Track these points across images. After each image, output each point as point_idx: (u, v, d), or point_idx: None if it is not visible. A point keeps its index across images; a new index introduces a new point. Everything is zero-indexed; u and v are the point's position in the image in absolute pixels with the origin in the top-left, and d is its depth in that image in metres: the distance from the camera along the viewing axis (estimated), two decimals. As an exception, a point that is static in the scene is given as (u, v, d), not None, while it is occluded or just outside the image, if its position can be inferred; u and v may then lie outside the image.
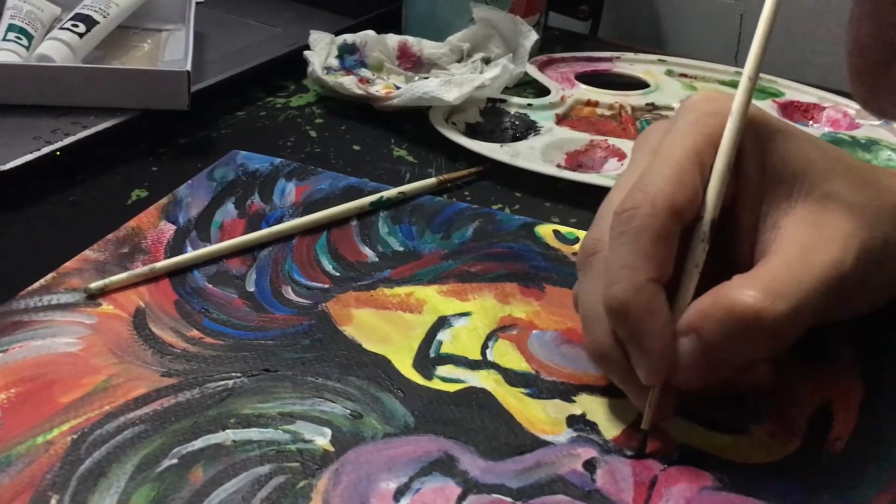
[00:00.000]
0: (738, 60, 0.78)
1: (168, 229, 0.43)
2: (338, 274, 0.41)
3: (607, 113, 0.59)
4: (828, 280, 0.30)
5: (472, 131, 0.54)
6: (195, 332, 0.36)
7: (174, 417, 0.32)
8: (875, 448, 0.32)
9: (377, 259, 0.42)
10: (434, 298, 0.39)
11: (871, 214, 0.32)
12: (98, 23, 0.56)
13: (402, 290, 0.40)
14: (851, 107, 0.59)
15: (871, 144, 0.55)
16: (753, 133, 0.33)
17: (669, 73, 0.65)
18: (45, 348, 0.35)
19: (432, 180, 0.48)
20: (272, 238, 0.43)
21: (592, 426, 0.33)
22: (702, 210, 0.31)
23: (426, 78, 0.57)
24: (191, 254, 0.40)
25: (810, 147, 0.33)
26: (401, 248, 0.43)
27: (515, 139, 0.54)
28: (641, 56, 0.67)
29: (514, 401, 0.34)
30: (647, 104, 0.60)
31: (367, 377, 0.34)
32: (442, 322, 0.38)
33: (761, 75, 0.63)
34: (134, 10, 0.60)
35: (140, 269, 0.39)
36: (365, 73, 0.59)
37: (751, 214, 0.33)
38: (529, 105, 0.57)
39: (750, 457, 0.31)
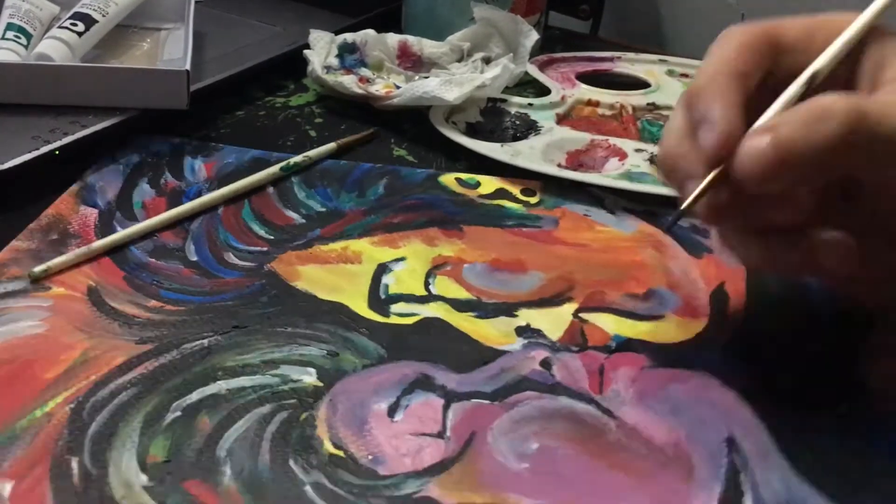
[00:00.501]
0: None
1: (90, 213, 0.44)
2: (271, 237, 0.43)
3: (608, 113, 0.59)
4: None
5: (473, 131, 0.55)
6: (154, 302, 0.38)
7: (163, 377, 0.34)
8: (766, 316, 0.39)
9: (304, 221, 0.45)
10: (368, 249, 0.43)
11: None
12: (97, 21, 0.55)
13: (337, 245, 0.43)
14: None
15: None
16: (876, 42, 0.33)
17: (670, 73, 0.65)
18: (10, 333, 0.35)
19: (332, 145, 0.51)
20: (199, 209, 0.44)
21: (538, 332, 0.38)
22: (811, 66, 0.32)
23: (426, 77, 0.57)
24: (126, 230, 0.42)
25: None
26: (323, 209, 0.46)
27: (516, 139, 0.54)
28: (642, 56, 0.67)
29: (466, 323, 0.38)
30: (648, 104, 0.60)
31: (332, 322, 0.37)
32: (382, 268, 0.41)
33: None
34: (133, 8, 0.60)
35: (79, 250, 0.40)
36: (365, 72, 0.58)
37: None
38: (530, 105, 0.58)
39: (670, 337, 0.37)
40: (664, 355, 0.36)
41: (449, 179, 0.49)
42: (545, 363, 0.36)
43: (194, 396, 0.33)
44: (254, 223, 0.44)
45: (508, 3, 0.63)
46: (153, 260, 0.41)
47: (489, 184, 0.49)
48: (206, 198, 0.45)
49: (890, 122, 0.28)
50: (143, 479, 0.29)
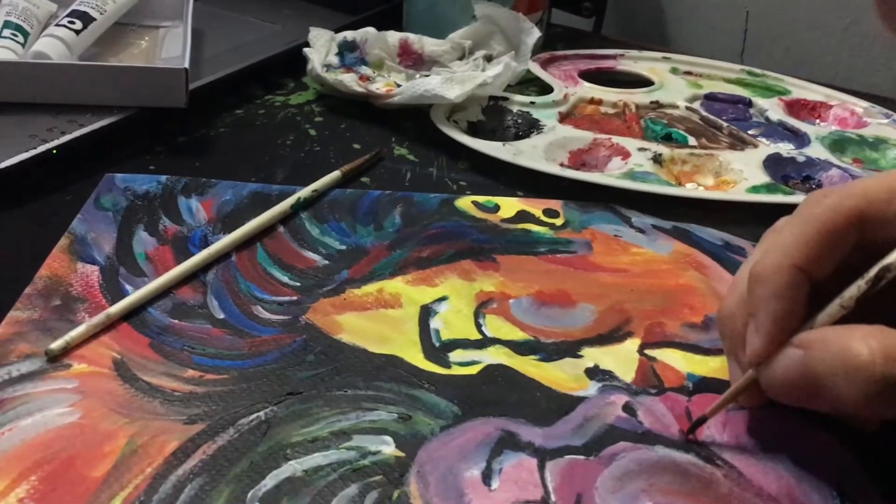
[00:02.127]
0: (744, 58, 0.78)
1: (91, 271, 0.40)
2: (298, 284, 0.40)
3: (611, 111, 0.59)
4: None
5: (474, 130, 0.54)
6: (192, 372, 0.35)
7: (227, 462, 0.31)
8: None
9: (327, 262, 0.42)
10: (406, 290, 0.40)
11: None
12: (95, 20, 0.56)
13: (370, 288, 0.40)
14: (859, 105, 0.60)
15: (878, 143, 0.56)
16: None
17: (674, 70, 0.65)
18: (41, 425, 0.31)
19: (337, 173, 0.48)
20: (212, 259, 0.41)
21: (610, 374, 0.36)
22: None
23: (427, 76, 0.56)
24: (141, 291, 0.38)
25: None
26: (343, 247, 0.43)
27: (518, 137, 0.53)
28: (646, 53, 0.67)
29: (532, 368, 0.36)
30: (651, 102, 0.60)
31: (392, 378, 0.35)
32: (427, 311, 0.39)
33: (767, 73, 0.64)
34: (131, 6, 0.60)
35: (96, 319, 0.36)
36: (365, 70, 0.58)
37: None
38: (532, 103, 0.57)
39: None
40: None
41: (465, 203, 0.47)
42: (628, 408, 0.34)
43: (269, 482, 0.30)
44: (273, 269, 0.41)
45: (510, 1, 0.63)
46: (176, 321, 0.37)
47: (509, 206, 0.47)
48: (219, 245, 0.41)
49: (885, 372, 0.27)
50: (240, 589, 0.26)
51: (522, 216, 0.47)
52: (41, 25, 0.56)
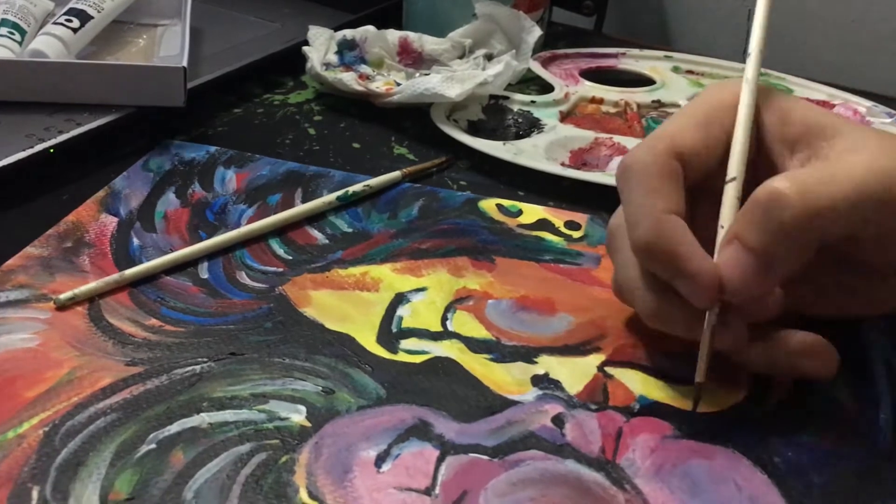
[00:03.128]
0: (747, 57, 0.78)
1: (110, 221, 0.43)
2: (290, 257, 0.42)
3: (612, 110, 0.59)
4: (870, 178, 0.30)
5: (474, 129, 0.54)
6: (154, 321, 0.37)
7: (146, 404, 0.32)
8: (814, 395, 0.35)
9: (327, 241, 0.43)
10: (389, 276, 0.41)
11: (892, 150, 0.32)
12: (92, 18, 0.55)
13: (356, 270, 0.41)
14: (862, 104, 0.59)
15: None
16: (770, 100, 0.36)
17: (676, 69, 0.65)
18: (2, 346, 0.35)
19: (397, 174, 0.49)
20: (243, 238, 0.43)
21: (556, 384, 0.35)
22: (728, 171, 0.34)
23: (427, 74, 0.57)
24: (159, 260, 0.40)
25: (821, 111, 0.35)
26: (349, 230, 0.44)
27: (518, 137, 0.54)
28: (647, 52, 0.67)
29: (479, 366, 0.36)
30: (653, 101, 0.59)
31: (334, 355, 0.36)
32: (400, 298, 0.39)
33: (769, 72, 0.64)
34: (129, 4, 0.60)
35: (111, 278, 0.39)
36: (365, 69, 0.58)
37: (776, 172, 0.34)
38: (533, 102, 0.57)
39: (703, 406, 0.34)
40: (692, 425, 0.33)
41: (489, 205, 0.47)
42: (557, 420, 0.33)
43: (174, 428, 0.32)
44: (274, 241, 0.43)
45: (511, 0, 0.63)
46: (163, 275, 0.40)
47: (532, 213, 0.47)
48: (253, 226, 0.43)
49: (832, 190, 0.30)
50: (102, 515, 0.28)
51: (542, 224, 0.46)
52: (38, 23, 0.56)
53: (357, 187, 0.47)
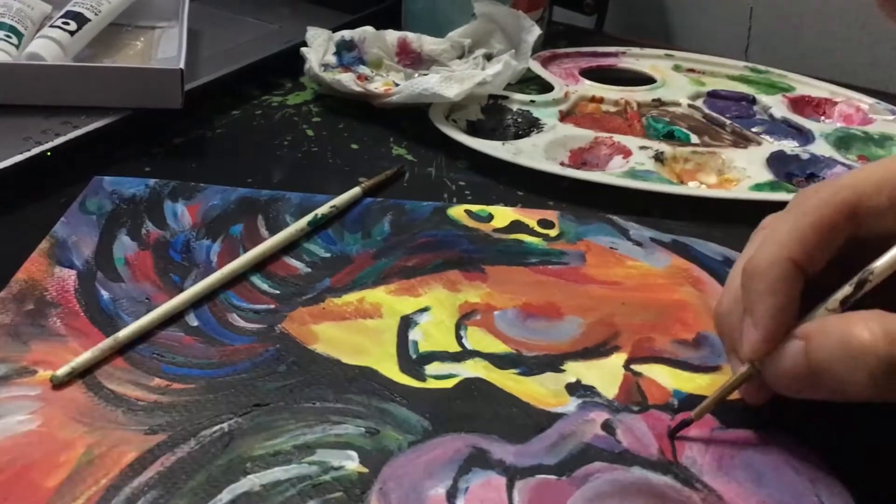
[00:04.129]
0: (749, 54, 0.78)
1: (67, 275, 0.40)
2: (277, 292, 0.40)
3: (612, 109, 0.58)
4: None
5: (473, 129, 0.53)
6: (159, 381, 0.34)
7: (184, 475, 0.30)
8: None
9: (310, 269, 0.41)
10: (387, 300, 0.40)
11: None
12: (89, 20, 0.56)
13: (351, 297, 0.40)
14: (864, 101, 0.60)
15: (884, 140, 0.55)
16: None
17: (677, 67, 0.65)
18: (0, 432, 0.31)
19: (357, 190, 0.47)
20: (226, 280, 0.40)
21: (592, 390, 0.35)
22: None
23: (426, 74, 0.56)
24: (151, 315, 0.37)
25: None
26: (328, 255, 0.43)
27: (518, 136, 0.53)
28: (648, 51, 0.66)
29: (510, 382, 0.35)
30: (653, 100, 0.59)
31: (363, 391, 0.34)
32: (407, 322, 0.38)
33: (770, 69, 0.64)
34: (126, 7, 0.60)
35: (104, 344, 0.35)
36: (363, 69, 0.58)
37: None
38: (532, 101, 0.56)
39: (730, 392, 0.35)
40: (732, 413, 0.34)
41: (458, 212, 0.47)
42: (607, 426, 0.33)
43: (225, 497, 0.29)
44: (254, 276, 0.41)
45: None
46: (155, 329, 0.37)
47: (502, 216, 0.47)
48: (236, 264, 0.40)
49: (888, 353, 0.27)
50: None
51: (516, 226, 0.46)
52: (35, 26, 0.56)
53: (324, 209, 0.45)
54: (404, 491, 0.30)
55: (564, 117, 0.56)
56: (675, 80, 0.63)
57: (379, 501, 0.30)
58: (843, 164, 0.52)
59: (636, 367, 0.36)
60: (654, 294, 0.41)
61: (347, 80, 0.55)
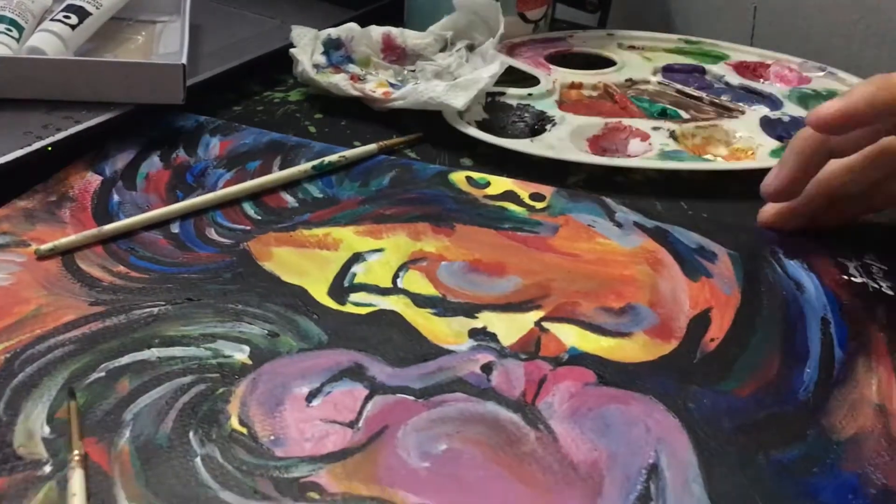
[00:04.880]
0: None
1: (94, 180, 0.46)
2: (259, 217, 0.44)
3: (594, 94, 0.60)
4: None
5: (484, 129, 0.54)
6: (122, 268, 0.40)
7: (102, 339, 0.35)
8: (742, 348, 0.37)
9: (297, 205, 0.46)
10: (350, 238, 0.43)
11: None
12: (90, 14, 0.55)
13: (319, 231, 0.44)
14: (793, 61, 0.64)
15: (831, 95, 0.59)
16: None
17: (620, 46, 0.67)
18: (-23, 284, 0.38)
19: (373, 146, 0.51)
20: (216, 202, 0.45)
21: (492, 336, 0.37)
22: None
23: (412, 70, 0.59)
24: (137, 218, 0.43)
25: None
26: (320, 195, 0.47)
27: (535, 132, 0.54)
28: (591, 32, 0.69)
29: (420, 319, 0.38)
30: (626, 80, 0.61)
31: (285, 304, 0.38)
32: (356, 257, 0.42)
33: (701, 39, 0.67)
34: (127, 1, 0.60)
35: (89, 232, 0.41)
36: (353, 68, 0.59)
37: None
38: (530, 95, 0.58)
39: (631, 357, 0.36)
40: (616, 375, 0.35)
41: (459, 177, 0.49)
42: (486, 367, 0.35)
43: (124, 360, 0.34)
44: (247, 202, 0.46)
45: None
46: (136, 229, 0.43)
47: (499, 184, 0.49)
48: (231, 190, 0.45)
49: None
50: (46, 430, 0.31)
51: (507, 195, 0.48)
52: (36, 20, 0.55)
53: (332, 157, 0.49)
54: (273, 385, 0.34)
55: (560, 107, 0.57)
56: (629, 58, 0.65)
57: (247, 388, 0.33)
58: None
59: (546, 325, 0.38)
60: (605, 268, 0.42)
61: (343, 83, 0.55)
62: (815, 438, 0.32)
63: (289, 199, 0.46)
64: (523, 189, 0.48)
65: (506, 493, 0.30)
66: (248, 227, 0.44)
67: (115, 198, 0.45)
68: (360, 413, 0.33)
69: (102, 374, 0.33)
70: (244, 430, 0.31)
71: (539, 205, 0.47)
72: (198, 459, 0.30)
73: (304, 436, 0.31)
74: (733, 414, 0.33)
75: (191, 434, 0.31)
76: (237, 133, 0.52)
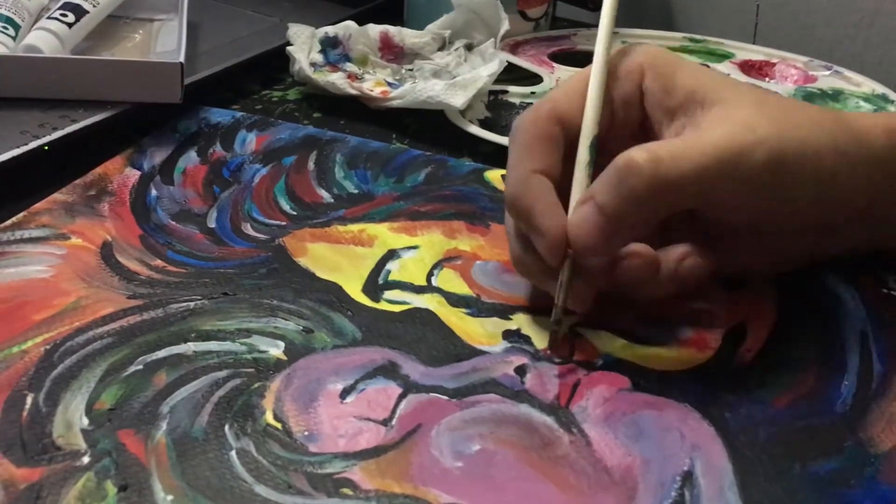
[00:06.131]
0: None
1: (133, 174, 0.47)
2: (294, 213, 0.45)
3: None
4: (720, 155, 0.33)
5: (486, 128, 0.54)
6: (159, 262, 0.41)
7: (139, 332, 0.36)
8: (780, 359, 0.37)
9: (332, 200, 0.46)
10: (385, 234, 0.44)
11: (774, 112, 0.35)
12: (88, 12, 0.56)
13: (354, 227, 0.44)
14: (798, 60, 0.64)
15: (837, 94, 0.60)
16: (656, 66, 0.38)
17: (624, 44, 0.67)
18: (18, 275, 0.39)
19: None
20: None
21: (526, 338, 0.37)
22: (582, 133, 0.37)
23: (410, 69, 0.59)
24: None
25: (708, 74, 0.38)
26: (355, 191, 0.47)
27: None
28: (595, 30, 0.69)
29: (455, 319, 0.38)
30: None
31: (319, 300, 0.39)
32: (391, 254, 0.42)
33: (706, 38, 0.68)
34: None
35: None
36: (350, 67, 0.59)
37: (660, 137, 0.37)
38: (532, 93, 0.59)
39: (666, 365, 0.36)
40: (651, 382, 0.35)
41: (495, 175, 0.50)
42: (520, 370, 0.35)
43: (161, 353, 0.35)
44: (282, 198, 0.46)
45: None
46: (173, 223, 0.44)
47: (535, 184, 0.49)
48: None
49: (682, 164, 0.33)
50: (85, 422, 0.32)
51: (544, 194, 0.48)
52: (32, 18, 0.56)
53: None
54: (307, 380, 0.34)
55: None
56: None
57: (282, 383, 0.34)
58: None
59: (581, 330, 0.38)
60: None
61: (341, 82, 0.55)
62: (853, 451, 0.32)
63: (324, 194, 0.47)
64: (560, 189, 0.48)
65: (539, 495, 0.30)
66: (284, 223, 0.44)
67: (153, 192, 0.46)
68: (393, 411, 0.33)
69: (140, 367, 0.34)
70: (279, 425, 0.32)
71: (575, 205, 0.47)
72: (233, 453, 0.31)
73: (338, 432, 0.32)
74: (769, 424, 0.33)
75: (226, 427, 0.32)
76: (273, 128, 0.53)
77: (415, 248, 0.43)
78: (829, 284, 0.41)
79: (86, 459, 0.30)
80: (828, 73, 0.63)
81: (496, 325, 0.38)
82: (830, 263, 0.41)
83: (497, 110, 0.57)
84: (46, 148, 0.46)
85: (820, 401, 0.35)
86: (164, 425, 0.32)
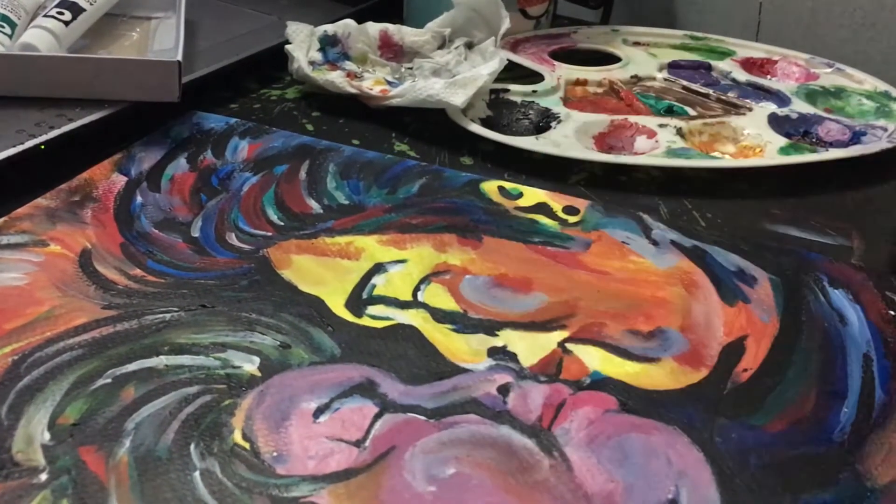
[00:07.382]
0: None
1: (119, 180, 0.47)
2: (282, 223, 0.44)
3: (599, 91, 0.60)
4: None
5: (487, 126, 0.54)
6: (138, 271, 0.40)
7: (111, 344, 0.35)
8: (777, 381, 0.35)
9: (321, 211, 0.45)
10: (372, 247, 0.43)
11: None
12: (84, 10, 0.56)
13: (342, 240, 0.43)
14: (800, 57, 0.65)
15: (840, 91, 0.60)
16: None
17: (625, 41, 0.68)
18: (-8, 282, 0.38)
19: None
20: None
21: (511, 356, 0.36)
22: None
23: (410, 68, 0.59)
24: None
25: None
26: (346, 202, 0.46)
27: (540, 129, 0.54)
28: (595, 28, 0.70)
29: (439, 335, 0.37)
30: (631, 77, 0.62)
31: (300, 314, 0.38)
32: (378, 268, 0.41)
33: (707, 35, 0.68)
34: None
35: None
36: (350, 66, 0.59)
37: None
38: (534, 92, 0.58)
39: (657, 384, 0.35)
40: (640, 402, 0.34)
41: (491, 187, 0.49)
42: (503, 388, 0.34)
43: (132, 367, 0.34)
44: (270, 207, 0.45)
45: None
46: (156, 231, 0.43)
47: (532, 196, 0.48)
48: None
49: None
50: (47, 436, 0.31)
51: (540, 207, 0.47)
52: (29, 16, 0.55)
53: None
54: (280, 398, 0.33)
55: (565, 104, 0.57)
56: (634, 55, 0.65)
57: (254, 400, 0.33)
58: (831, 119, 0.56)
59: (570, 346, 0.37)
60: (636, 288, 0.41)
61: (341, 81, 0.55)
62: (848, 483, 0.31)
63: (314, 204, 0.46)
64: (557, 201, 0.47)
65: (513, 525, 0.29)
66: (270, 234, 0.43)
67: (139, 199, 0.45)
68: (367, 432, 0.32)
69: (109, 380, 0.33)
70: (247, 445, 0.31)
71: (572, 218, 0.46)
72: (196, 473, 0.30)
73: (308, 453, 0.31)
74: (762, 451, 0.32)
75: (192, 447, 0.31)
76: (266, 136, 0.52)
77: (403, 261, 0.42)
78: (834, 301, 0.40)
79: (43, 477, 0.29)
80: (829, 70, 0.63)
81: (482, 341, 0.37)
82: (836, 278, 0.40)
83: (498, 109, 0.56)
84: (43, 147, 0.46)
85: (817, 428, 0.33)
86: (127, 442, 0.31)
